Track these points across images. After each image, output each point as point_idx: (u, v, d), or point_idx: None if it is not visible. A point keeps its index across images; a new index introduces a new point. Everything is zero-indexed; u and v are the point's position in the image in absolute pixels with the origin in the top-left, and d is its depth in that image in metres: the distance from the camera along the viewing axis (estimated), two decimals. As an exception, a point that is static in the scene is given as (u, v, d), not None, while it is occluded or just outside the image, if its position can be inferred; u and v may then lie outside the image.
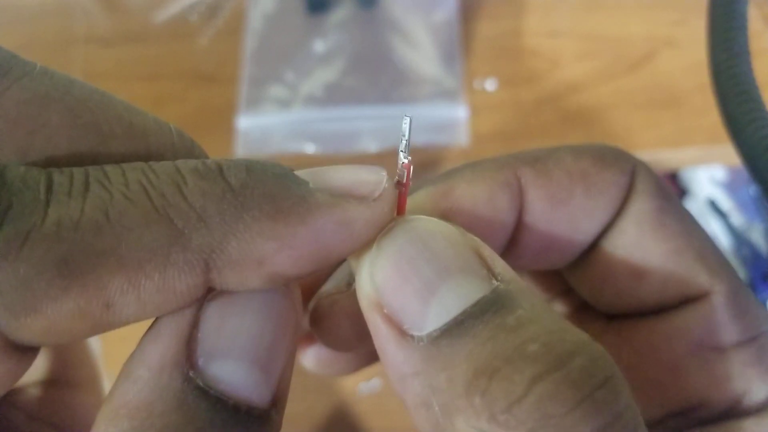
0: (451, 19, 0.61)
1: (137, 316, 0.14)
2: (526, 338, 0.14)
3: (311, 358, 0.25)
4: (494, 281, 0.15)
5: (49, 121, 0.15)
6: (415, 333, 0.15)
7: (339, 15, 0.62)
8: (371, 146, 0.55)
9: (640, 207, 0.18)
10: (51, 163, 0.15)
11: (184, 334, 0.15)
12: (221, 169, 0.15)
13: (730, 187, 0.56)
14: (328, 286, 0.22)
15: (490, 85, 0.58)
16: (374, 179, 0.16)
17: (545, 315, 0.14)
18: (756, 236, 0.54)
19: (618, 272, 0.19)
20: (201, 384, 0.14)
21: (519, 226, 0.19)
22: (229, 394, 0.14)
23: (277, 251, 0.14)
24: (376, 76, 0.59)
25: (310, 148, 0.55)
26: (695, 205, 0.56)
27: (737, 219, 0.55)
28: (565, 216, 0.18)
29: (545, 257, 0.19)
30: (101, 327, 0.14)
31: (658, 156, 0.56)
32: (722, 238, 0.55)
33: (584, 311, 0.21)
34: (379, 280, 0.15)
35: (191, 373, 0.14)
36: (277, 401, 0.16)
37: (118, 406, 0.14)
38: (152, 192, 0.14)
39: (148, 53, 0.62)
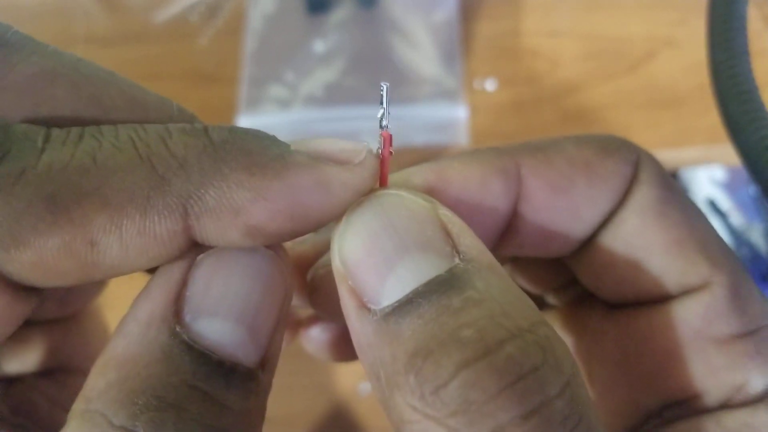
0: (451, 19, 0.61)
1: (122, 260, 0.15)
2: (463, 322, 0.14)
3: (312, 340, 0.25)
4: (456, 259, 0.15)
5: (54, 94, 0.16)
6: (372, 307, 0.15)
7: (339, 15, 0.62)
8: (371, 146, 0.55)
9: (643, 197, 0.18)
10: None
11: (173, 292, 0.16)
12: (206, 128, 0.16)
13: (730, 187, 0.56)
14: (326, 258, 0.22)
15: (489, 85, 0.59)
16: (355, 147, 0.17)
17: (497, 297, 0.14)
18: (755, 236, 0.54)
19: (619, 261, 0.19)
20: (186, 339, 0.15)
21: (518, 213, 0.18)
22: (213, 349, 0.15)
23: (252, 202, 0.15)
24: (376, 76, 0.59)
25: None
26: (695, 205, 0.56)
27: (737, 219, 0.55)
28: (566, 204, 0.18)
29: (547, 245, 0.19)
30: (88, 268, 0.15)
31: (658, 156, 0.56)
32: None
33: (587, 299, 0.21)
34: (345, 253, 0.16)
35: (178, 329, 0.15)
36: (265, 363, 0.16)
37: (108, 359, 0.15)
38: (139, 143, 0.15)
39: (148, 53, 0.62)
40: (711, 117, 0.54)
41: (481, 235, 0.17)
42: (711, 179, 0.57)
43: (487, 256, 0.16)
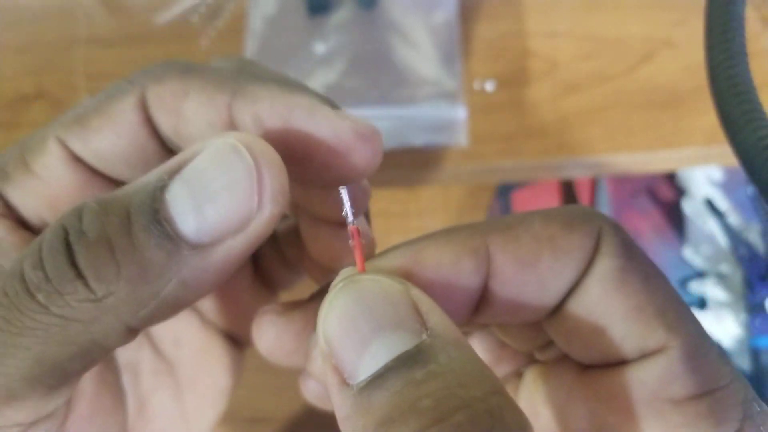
0: (450, 20, 0.61)
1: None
2: (424, 393, 0.15)
3: (310, 391, 0.29)
4: (423, 335, 0.17)
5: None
6: (351, 382, 0.17)
7: (339, 16, 0.62)
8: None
9: (604, 267, 0.20)
10: None
11: (180, 160, 0.19)
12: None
13: (728, 187, 0.57)
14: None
15: (489, 85, 0.59)
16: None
17: (457, 369, 0.16)
18: (753, 236, 0.55)
19: (584, 327, 0.20)
20: (160, 185, 0.18)
21: (489, 287, 0.20)
22: (164, 203, 0.18)
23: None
24: (376, 77, 0.59)
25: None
26: (693, 205, 0.56)
27: (735, 219, 0.55)
28: (533, 278, 0.20)
29: (517, 315, 0.21)
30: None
31: (656, 156, 0.56)
32: (720, 238, 0.55)
33: (565, 360, 0.23)
34: (328, 334, 0.18)
35: (165, 177, 0.18)
36: (201, 250, 0.18)
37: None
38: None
39: (149, 54, 0.62)
40: (709, 117, 0.55)
41: (456, 309, 0.19)
42: (709, 179, 0.57)
43: (453, 332, 0.17)
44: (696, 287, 0.53)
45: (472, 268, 0.20)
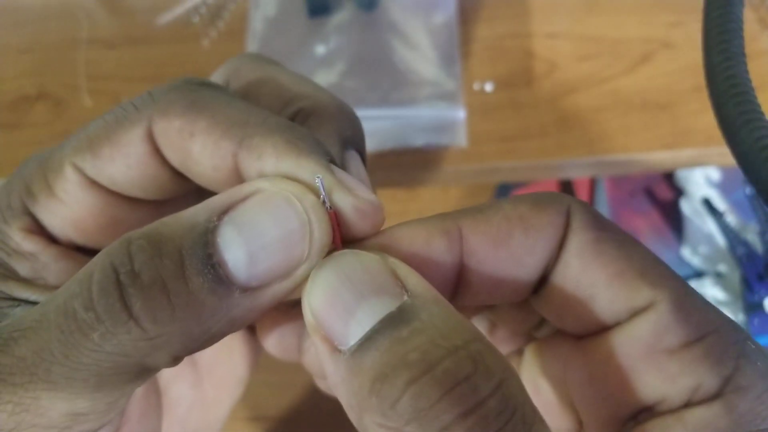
0: (450, 21, 0.62)
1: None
2: (410, 348, 0.17)
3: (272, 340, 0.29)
4: (404, 296, 0.18)
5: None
6: (342, 348, 0.18)
7: (339, 18, 0.62)
8: (371, 147, 0.56)
9: (578, 240, 0.21)
10: None
11: (228, 202, 0.19)
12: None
13: (725, 187, 0.57)
14: None
15: (488, 86, 0.59)
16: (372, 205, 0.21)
17: (438, 324, 0.17)
18: (751, 236, 0.55)
19: (571, 299, 0.21)
20: (209, 228, 0.19)
21: (466, 267, 0.21)
22: (217, 249, 0.19)
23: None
24: (376, 78, 0.59)
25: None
26: (691, 205, 0.56)
27: (733, 219, 0.55)
28: (507, 255, 0.21)
29: (498, 292, 0.22)
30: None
31: (654, 157, 0.56)
32: (718, 238, 0.55)
33: (559, 334, 0.24)
34: (314, 308, 0.19)
35: (215, 219, 0.19)
36: (250, 293, 0.19)
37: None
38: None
39: (150, 55, 0.63)
40: (707, 118, 0.55)
41: (435, 287, 0.20)
42: (707, 179, 0.57)
43: (431, 291, 0.19)
44: (694, 287, 0.54)
45: (443, 248, 0.21)
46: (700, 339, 0.19)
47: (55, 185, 0.22)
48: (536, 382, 0.25)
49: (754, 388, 0.19)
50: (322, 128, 0.24)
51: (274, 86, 0.26)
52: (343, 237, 0.21)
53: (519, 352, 0.27)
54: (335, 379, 0.18)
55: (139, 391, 0.26)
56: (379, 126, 0.57)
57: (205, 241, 0.18)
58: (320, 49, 0.61)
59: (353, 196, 0.20)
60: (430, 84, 0.58)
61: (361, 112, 0.58)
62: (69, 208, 0.23)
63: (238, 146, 0.21)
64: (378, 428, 0.17)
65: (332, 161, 0.21)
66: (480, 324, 0.27)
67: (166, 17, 0.64)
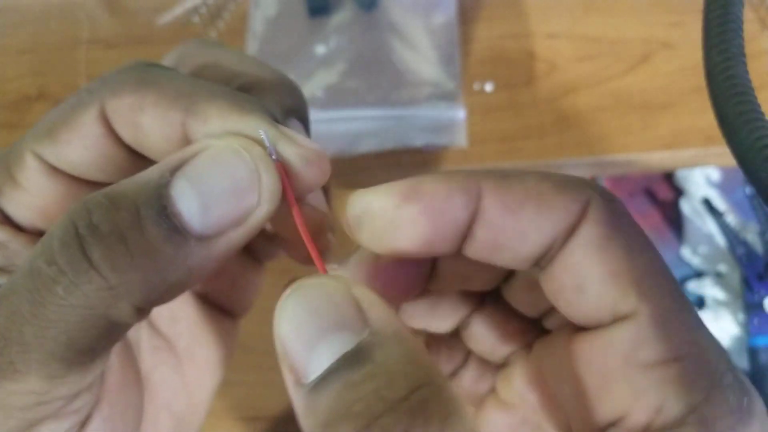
0: (450, 21, 0.62)
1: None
2: (357, 396, 0.17)
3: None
4: (365, 332, 0.18)
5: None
6: (303, 382, 0.18)
7: (339, 18, 0.63)
8: (371, 147, 0.56)
9: (588, 233, 0.21)
10: None
11: (182, 158, 0.20)
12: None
13: (725, 187, 0.57)
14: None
15: (488, 86, 0.59)
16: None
17: (391, 366, 0.17)
18: (751, 236, 0.55)
19: (567, 288, 0.21)
20: (163, 183, 0.20)
21: (475, 223, 0.21)
22: (171, 199, 0.19)
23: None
24: (376, 78, 0.59)
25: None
26: (691, 205, 0.56)
27: (733, 219, 0.55)
28: (514, 224, 0.21)
29: (498, 256, 0.22)
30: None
31: (654, 157, 0.56)
32: (718, 238, 0.55)
33: (562, 328, 0.24)
34: (281, 337, 0.19)
35: (167, 175, 0.20)
36: (205, 242, 0.20)
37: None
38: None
39: (151, 55, 0.62)
40: (707, 118, 0.55)
41: (443, 239, 0.21)
42: (707, 179, 0.57)
43: (393, 325, 0.19)
44: (694, 287, 0.54)
45: (462, 204, 0.21)
46: (676, 359, 0.19)
47: (17, 175, 0.23)
48: (540, 377, 0.25)
49: (718, 422, 0.18)
50: (264, 99, 0.25)
51: (216, 67, 0.27)
52: (295, 190, 0.22)
53: (530, 346, 0.27)
54: (297, 410, 0.18)
55: (116, 362, 0.26)
56: (379, 126, 0.57)
57: (160, 194, 0.19)
58: (320, 49, 0.61)
59: (297, 146, 0.21)
60: (430, 84, 0.58)
61: (361, 112, 0.58)
62: (33, 196, 0.23)
63: (185, 114, 0.22)
64: None
65: (276, 120, 0.22)
66: (495, 313, 0.27)
67: (167, 17, 0.64)
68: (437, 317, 0.28)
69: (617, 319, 0.20)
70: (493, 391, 0.28)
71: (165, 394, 0.31)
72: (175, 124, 0.22)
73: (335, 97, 0.58)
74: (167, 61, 0.29)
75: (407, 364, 0.18)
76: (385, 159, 0.56)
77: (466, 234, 0.22)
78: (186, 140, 0.22)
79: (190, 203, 0.20)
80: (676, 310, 0.20)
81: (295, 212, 0.22)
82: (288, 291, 0.20)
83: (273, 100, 0.25)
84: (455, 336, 0.29)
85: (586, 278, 0.20)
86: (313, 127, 0.59)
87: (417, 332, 0.29)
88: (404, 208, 0.20)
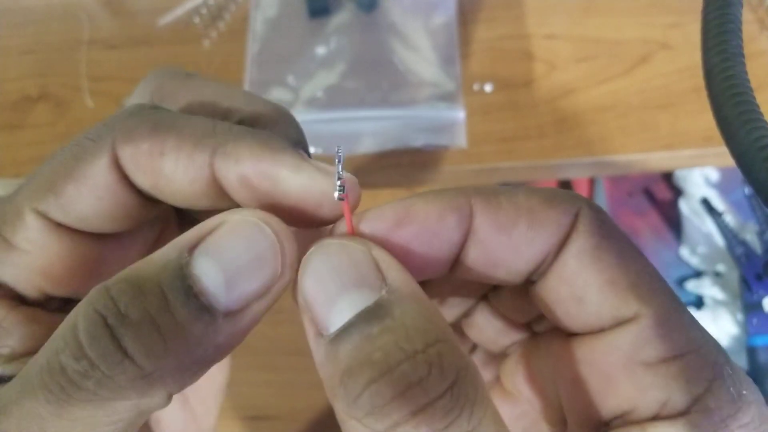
0: (449, 22, 0.62)
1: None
2: (377, 347, 0.18)
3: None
4: (383, 291, 0.19)
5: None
6: (324, 333, 0.19)
7: (339, 19, 0.63)
8: (371, 147, 0.56)
9: (580, 244, 0.21)
10: None
11: (197, 236, 0.20)
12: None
13: (724, 187, 0.57)
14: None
15: (488, 87, 0.59)
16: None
17: (408, 322, 0.18)
18: (750, 236, 0.55)
19: (564, 298, 0.22)
20: (184, 263, 0.19)
21: (467, 243, 0.22)
22: (196, 280, 0.19)
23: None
24: (376, 79, 0.59)
25: (311, 150, 0.56)
26: (690, 205, 0.56)
27: (731, 219, 0.56)
28: (507, 242, 0.22)
29: (492, 274, 0.23)
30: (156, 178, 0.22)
31: (653, 157, 0.56)
32: (716, 238, 0.55)
33: (555, 330, 0.25)
34: (303, 292, 0.20)
35: (186, 255, 0.20)
36: (232, 317, 0.20)
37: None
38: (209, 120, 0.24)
39: (152, 56, 0.63)
40: (706, 119, 0.55)
41: (436, 260, 0.22)
42: (706, 180, 0.57)
43: (409, 285, 0.20)
44: (693, 287, 0.54)
45: (454, 224, 0.21)
46: (678, 357, 0.20)
47: (14, 237, 0.22)
48: (532, 376, 0.26)
49: (720, 411, 0.19)
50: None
51: (208, 104, 0.27)
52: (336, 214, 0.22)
53: (518, 345, 0.28)
54: (317, 359, 0.19)
55: None
56: (379, 126, 0.57)
57: (183, 274, 0.19)
58: (320, 50, 0.61)
59: (330, 182, 0.22)
60: (429, 85, 0.59)
61: (361, 113, 0.59)
62: (34, 257, 0.22)
63: (212, 155, 0.21)
64: (344, 415, 0.18)
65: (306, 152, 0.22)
66: (482, 311, 0.28)
67: (167, 18, 0.64)
68: (442, 307, 0.28)
69: (619, 323, 0.21)
70: (498, 380, 0.29)
71: (176, 430, 0.31)
72: (203, 166, 0.22)
73: (335, 98, 0.58)
74: (138, 95, 0.28)
75: (424, 321, 0.19)
76: (385, 159, 0.56)
77: (456, 255, 0.22)
78: (213, 182, 0.22)
79: (215, 280, 0.19)
80: (674, 311, 0.21)
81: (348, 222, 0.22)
82: (312, 248, 0.21)
83: (280, 134, 0.25)
84: (456, 327, 0.29)
85: (585, 289, 0.21)
86: (314, 127, 0.59)
87: None
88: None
